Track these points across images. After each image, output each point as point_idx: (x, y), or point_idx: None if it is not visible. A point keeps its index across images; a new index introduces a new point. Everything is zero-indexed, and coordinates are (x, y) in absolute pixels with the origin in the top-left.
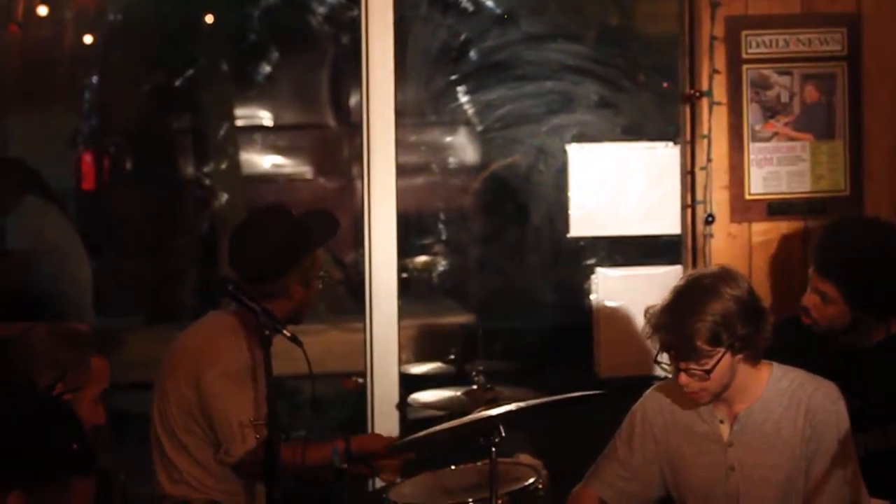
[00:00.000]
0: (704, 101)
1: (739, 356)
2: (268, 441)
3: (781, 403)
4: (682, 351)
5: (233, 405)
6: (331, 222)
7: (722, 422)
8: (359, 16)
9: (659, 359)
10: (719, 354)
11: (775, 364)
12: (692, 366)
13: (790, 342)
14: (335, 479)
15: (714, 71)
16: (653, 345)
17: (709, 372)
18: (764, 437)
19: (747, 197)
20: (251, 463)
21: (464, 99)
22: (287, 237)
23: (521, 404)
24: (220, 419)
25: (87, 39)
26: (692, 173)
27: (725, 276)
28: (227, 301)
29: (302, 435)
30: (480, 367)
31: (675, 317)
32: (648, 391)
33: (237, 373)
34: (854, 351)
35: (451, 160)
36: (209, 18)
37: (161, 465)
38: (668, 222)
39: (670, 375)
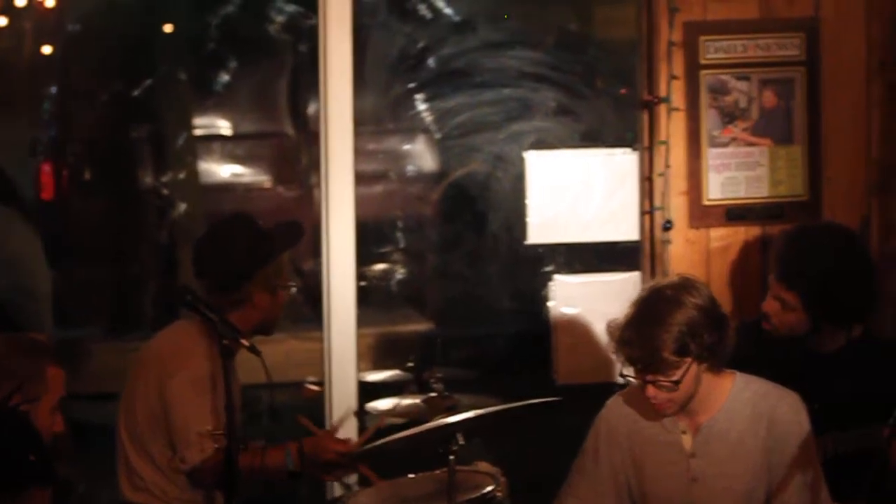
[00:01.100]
0: (662, 107)
1: (704, 365)
2: (227, 450)
3: (744, 414)
4: (649, 363)
5: (193, 413)
6: (295, 229)
7: (684, 432)
8: (317, 24)
9: (624, 372)
10: (686, 365)
11: (737, 373)
12: (660, 378)
13: (750, 347)
14: (291, 482)
15: (672, 76)
16: (618, 359)
17: (677, 383)
18: (727, 449)
19: (705, 203)
20: (206, 471)
21: (422, 107)
22: (250, 243)
23: (479, 412)
24: (178, 425)
25: (46, 49)
26: (650, 179)
27: (686, 285)
28: (187, 311)
29: (261, 444)
30: (439, 375)
31: (639, 330)
32: (610, 400)
33: (201, 380)
34: (815, 355)
35: (410, 168)
36: (168, 28)
37: (124, 473)
38: (626, 229)
39: (633, 381)
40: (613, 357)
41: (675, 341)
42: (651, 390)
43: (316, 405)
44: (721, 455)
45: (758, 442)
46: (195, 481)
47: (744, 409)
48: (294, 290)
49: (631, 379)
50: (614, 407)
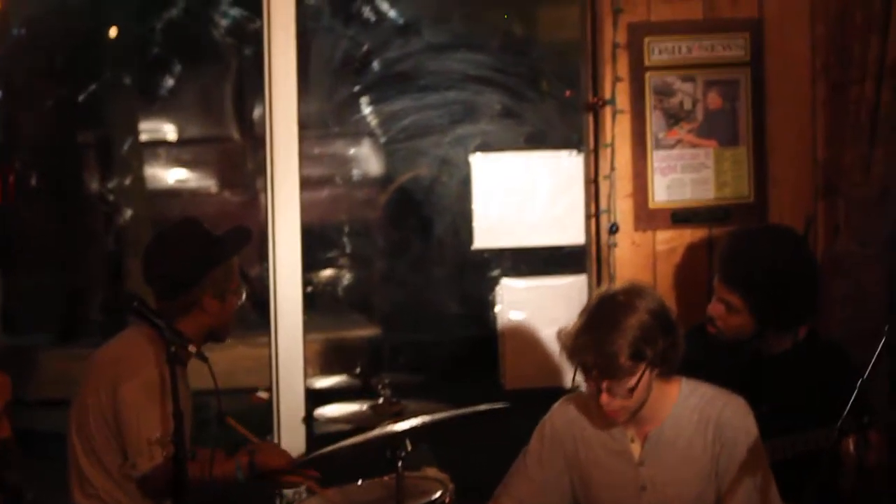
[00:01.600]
0: (607, 109)
1: (656, 371)
2: (175, 458)
3: (691, 421)
4: (605, 370)
5: (144, 420)
6: (243, 234)
7: (632, 441)
8: (261, 28)
9: (577, 380)
10: (641, 371)
11: (683, 379)
12: (615, 384)
13: (697, 352)
14: (241, 491)
15: (617, 78)
16: (572, 366)
17: (632, 390)
18: (675, 456)
19: (651, 205)
20: (156, 479)
21: (367, 110)
22: (197, 247)
23: (427, 418)
24: (129, 432)
25: None
26: (596, 182)
27: (636, 290)
28: (136, 318)
29: (210, 452)
30: (386, 381)
31: (594, 336)
32: (556, 405)
33: (153, 387)
34: (761, 358)
35: (355, 172)
36: (113, 32)
37: (76, 480)
38: (572, 232)
39: (582, 388)
40: (563, 363)
41: (631, 346)
42: (605, 398)
43: (265, 412)
44: (670, 463)
45: (706, 448)
46: (145, 489)
47: (691, 416)
48: (245, 295)
49: (583, 388)
50: (561, 411)
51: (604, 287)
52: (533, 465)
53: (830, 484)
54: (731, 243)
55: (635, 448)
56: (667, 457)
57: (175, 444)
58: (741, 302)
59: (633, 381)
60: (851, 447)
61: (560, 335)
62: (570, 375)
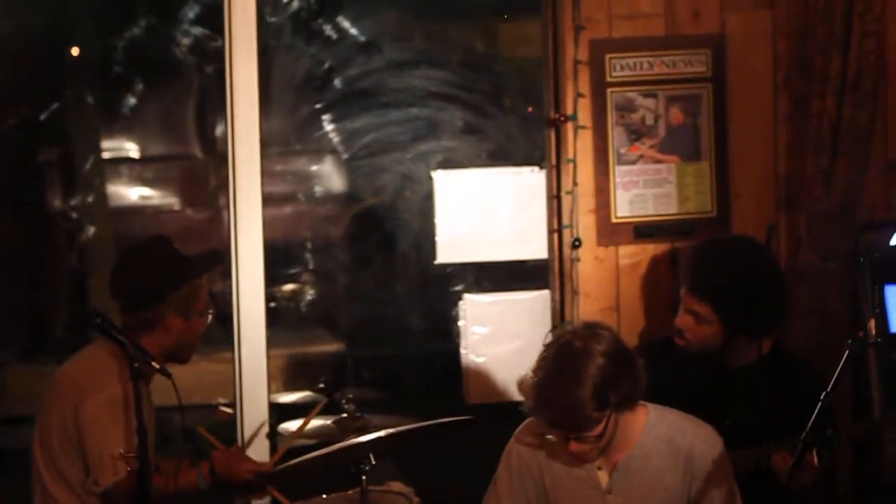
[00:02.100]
0: (569, 125)
1: (622, 409)
2: (139, 473)
3: (661, 450)
4: (571, 424)
5: (107, 436)
6: (212, 257)
7: (600, 468)
8: (223, 46)
9: (546, 433)
10: (607, 417)
11: (650, 406)
12: (584, 434)
13: (661, 368)
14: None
15: (578, 95)
16: (537, 419)
17: (600, 437)
18: (644, 485)
19: (614, 220)
20: (119, 494)
21: (329, 127)
22: (163, 264)
23: (391, 431)
24: (92, 447)
25: None
26: (558, 198)
27: (591, 333)
28: (100, 335)
29: (174, 463)
30: (350, 396)
31: (556, 390)
32: (519, 430)
33: (115, 403)
34: (726, 371)
35: (318, 189)
36: (75, 51)
37: (39, 496)
38: (535, 247)
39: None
40: (532, 416)
41: (594, 397)
42: (574, 446)
43: (229, 427)
44: (639, 492)
45: (677, 478)
46: None
47: (660, 445)
48: (210, 317)
49: (552, 438)
50: (524, 437)
51: (558, 331)
52: (505, 494)
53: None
54: (697, 254)
55: (603, 476)
56: (636, 485)
57: (139, 459)
58: (711, 312)
59: (600, 428)
60: (815, 460)
61: (521, 387)
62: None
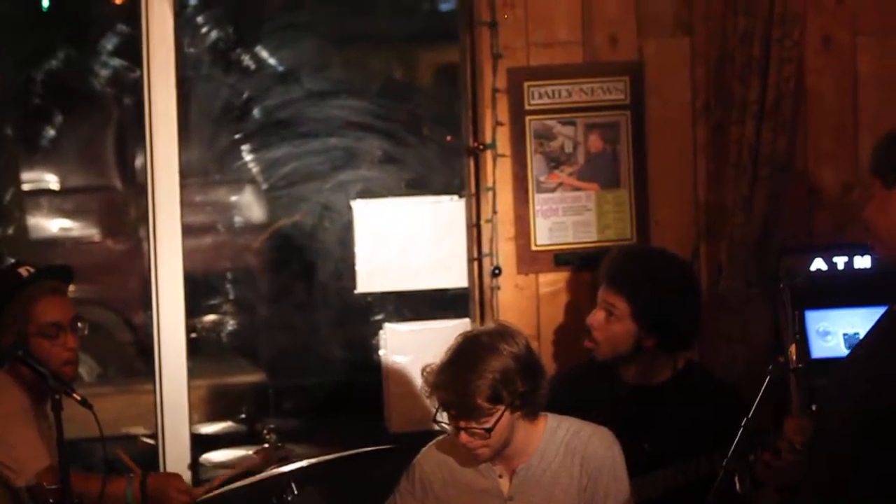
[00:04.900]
0: (488, 154)
1: (518, 413)
2: (61, 474)
3: (558, 454)
4: (462, 410)
5: (17, 440)
6: (46, 271)
7: (501, 476)
8: (141, 77)
9: (438, 418)
10: (499, 412)
11: (550, 415)
12: (473, 424)
13: (577, 390)
14: None
15: (497, 123)
16: (432, 404)
17: (489, 430)
18: (543, 489)
19: (534, 248)
20: (43, 492)
21: (248, 157)
22: None
23: (313, 461)
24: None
25: None
26: (478, 226)
27: (502, 332)
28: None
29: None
30: (272, 425)
31: (453, 375)
32: (426, 448)
33: (15, 414)
34: (643, 390)
35: (237, 219)
36: None
37: None
38: (455, 276)
39: (447, 427)
40: (428, 402)
41: (489, 388)
42: (464, 436)
43: (149, 458)
44: (538, 497)
45: (573, 480)
46: None
47: (558, 449)
48: (69, 347)
49: (444, 424)
50: (428, 455)
51: (471, 327)
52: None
53: None
54: (619, 252)
55: (504, 483)
56: (534, 491)
57: (61, 490)
58: (624, 304)
59: (490, 421)
60: (738, 486)
61: (423, 371)
62: (435, 415)
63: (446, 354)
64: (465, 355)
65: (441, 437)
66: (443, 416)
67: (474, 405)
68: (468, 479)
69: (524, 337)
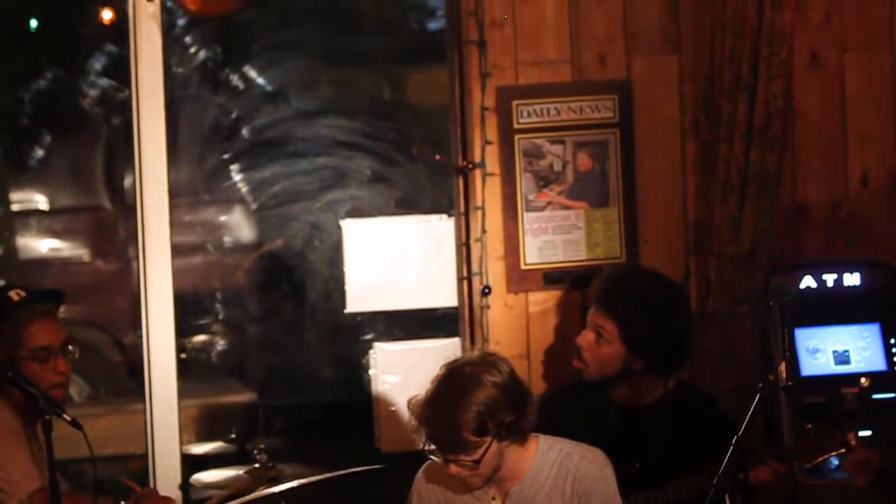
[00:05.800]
0: (477, 173)
1: (506, 441)
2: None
3: (550, 475)
4: (449, 444)
5: (8, 460)
6: (39, 295)
7: (494, 499)
8: (130, 97)
9: (427, 450)
10: (486, 444)
11: (541, 436)
12: (461, 457)
13: (567, 410)
14: None
15: (486, 142)
16: (419, 437)
17: (477, 462)
18: None
19: (523, 267)
20: None
21: (237, 177)
22: None
23: (303, 481)
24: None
25: None
26: (467, 245)
27: (486, 362)
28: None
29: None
30: (262, 445)
31: (438, 410)
32: (420, 473)
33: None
34: (632, 410)
35: (227, 239)
36: None
37: None
38: (444, 295)
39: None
40: (415, 436)
41: (474, 421)
42: (453, 468)
43: (141, 478)
44: None
45: (564, 500)
46: None
47: (549, 471)
48: (60, 370)
49: (433, 457)
50: (424, 479)
51: (455, 356)
52: None
53: None
54: (610, 273)
55: None
56: None
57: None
58: (614, 326)
59: (478, 454)
60: None
61: (409, 403)
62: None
63: (431, 387)
64: (449, 389)
65: (434, 461)
66: (431, 447)
67: (461, 439)
68: (462, 501)
69: (508, 364)
